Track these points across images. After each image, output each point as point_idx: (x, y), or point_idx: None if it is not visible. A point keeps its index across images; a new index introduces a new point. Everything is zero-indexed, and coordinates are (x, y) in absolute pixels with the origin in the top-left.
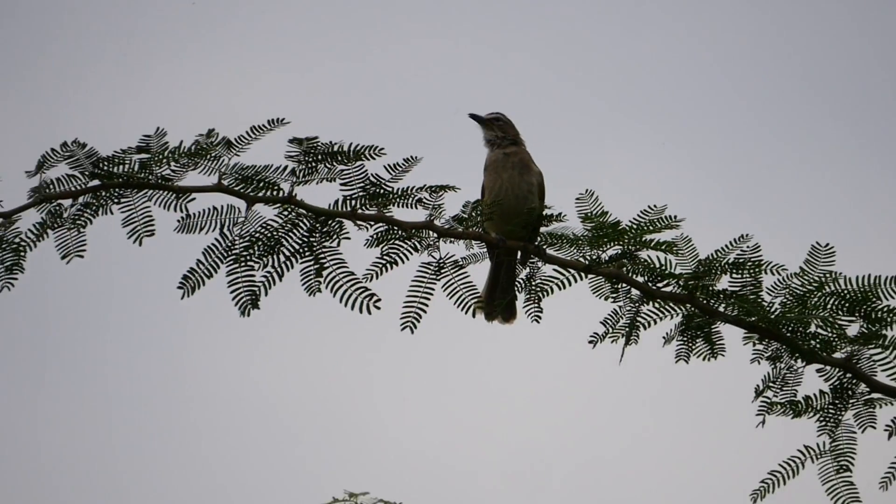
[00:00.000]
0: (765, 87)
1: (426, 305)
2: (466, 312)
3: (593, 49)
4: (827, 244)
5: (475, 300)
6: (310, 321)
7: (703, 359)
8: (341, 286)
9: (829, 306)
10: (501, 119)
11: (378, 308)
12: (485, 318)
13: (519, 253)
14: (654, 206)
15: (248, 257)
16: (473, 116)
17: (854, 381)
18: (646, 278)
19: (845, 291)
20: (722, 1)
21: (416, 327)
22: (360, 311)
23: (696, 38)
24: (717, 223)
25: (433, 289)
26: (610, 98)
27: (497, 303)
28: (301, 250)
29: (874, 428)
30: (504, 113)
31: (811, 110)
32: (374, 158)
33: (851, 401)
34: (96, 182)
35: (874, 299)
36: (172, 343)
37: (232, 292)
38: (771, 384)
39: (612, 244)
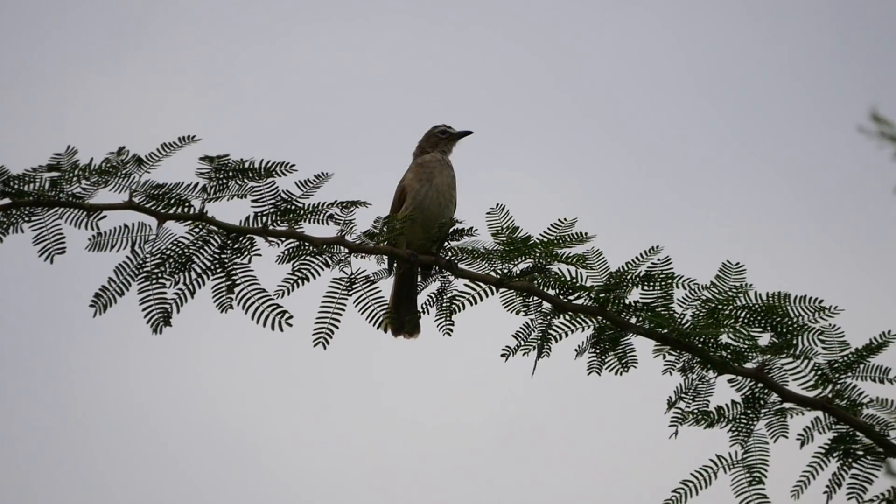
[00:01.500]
0: (676, 90)
1: (338, 321)
2: (378, 327)
3: (498, 60)
4: (737, 263)
5: (386, 314)
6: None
7: (615, 373)
8: (253, 303)
9: (740, 318)
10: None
11: (290, 325)
12: (391, 332)
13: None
14: (565, 219)
15: (160, 274)
16: (460, 133)
17: (765, 390)
18: (557, 291)
19: (754, 305)
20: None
21: (328, 343)
22: (272, 328)
23: (599, 46)
24: (627, 236)
25: (345, 304)
26: (516, 110)
27: (409, 318)
28: (213, 267)
29: (786, 437)
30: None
31: (728, 115)
32: (285, 175)
33: (763, 410)
34: (7, 200)
35: (782, 312)
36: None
37: (144, 310)
38: (683, 395)
39: (523, 258)
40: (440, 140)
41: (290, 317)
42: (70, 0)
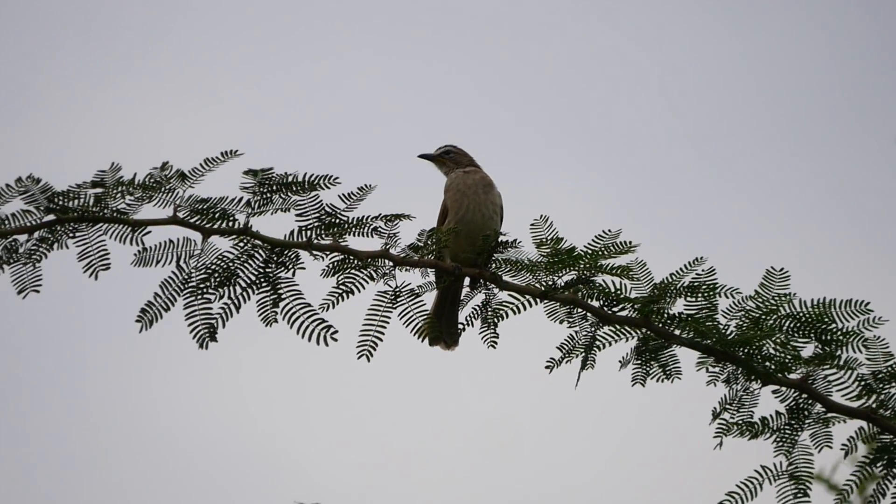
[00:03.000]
0: (720, 111)
1: (382, 334)
2: (422, 340)
3: (541, 81)
4: (781, 269)
5: (428, 325)
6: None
7: (658, 381)
8: (298, 318)
9: (784, 328)
10: (452, 151)
11: (335, 340)
12: (429, 342)
13: (467, 279)
14: (609, 230)
15: (205, 289)
16: (423, 156)
17: (809, 401)
18: (601, 303)
19: (800, 314)
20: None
21: (372, 355)
22: (318, 342)
23: (643, 64)
24: (671, 247)
25: (389, 317)
26: (552, 127)
27: (450, 330)
28: (258, 281)
29: (830, 447)
30: (454, 144)
31: (765, 133)
32: (328, 188)
33: (807, 421)
34: (51, 217)
35: (828, 321)
36: (133, 373)
37: (189, 325)
38: (728, 406)
39: (567, 270)
40: (449, 159)
41: (336, 331)
42: (89, 16)
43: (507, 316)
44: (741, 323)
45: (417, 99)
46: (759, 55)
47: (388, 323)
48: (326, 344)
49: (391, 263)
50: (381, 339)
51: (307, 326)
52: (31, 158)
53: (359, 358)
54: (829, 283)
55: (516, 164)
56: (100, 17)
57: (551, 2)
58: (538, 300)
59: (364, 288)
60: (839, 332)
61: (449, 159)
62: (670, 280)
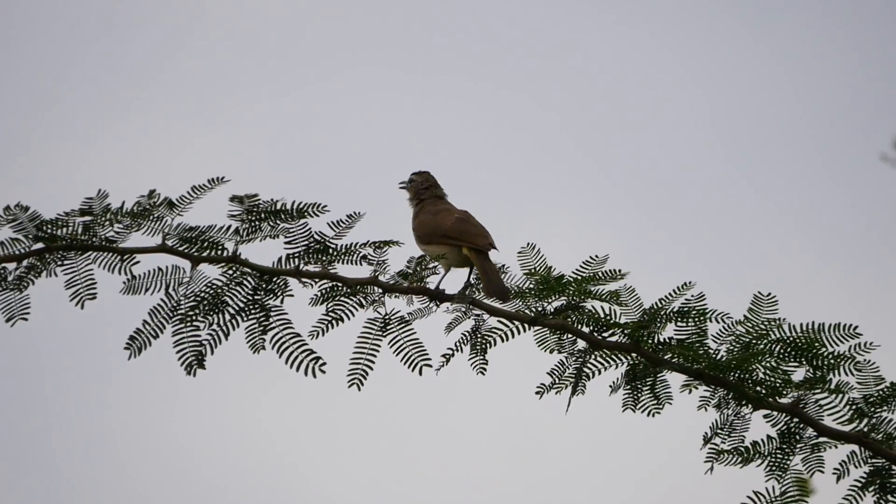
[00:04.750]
0: (704, 133)
1: (373, 362)
2: (413, 370)
3: (526, 100)
4: (769, 294)
5: (422, 357)
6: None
7: (649, 414)
8: (287, 347)
9: (775, 353)
10: (414, 179)
11: (323, 372)
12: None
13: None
14: (596, 256)
15: (194, 317)
16: (402, 186)
17: (801, 425)
18: (591, 328)
19: (790, 338)
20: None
21: (362, 384)
22: (306, 373)
23: (627, 85)
24: (657, 271)
25: (379, 345)
26: (541, 148)
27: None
28: (246, 308)
29: (822, 472)
30: (425, 170)
31: (753, 157)
32: (317, 216)
33: (799, 445)
34: (40, 245)
35: (818, 346)
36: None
37: (178, 352)
38: (718, 431)
39: (556, 296)
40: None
41: (324, 363)
42: (88, 48)
43: (495, 343)
44: (731, 347)
45: (409, 120)
46: (758, 71)
47: (378, 350)
48: (314, 375)
49: (380, 290)
50: (371, 368)
51: (297, 357)
52: (20, 191)
53: (349, 386)
54: (817, 307)
55: (501, 186)
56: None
57: (544, 17)
58: (528, 326)
59: (353, 315)
60: (830, 357)
61: (412, 188)
62: (660, 305)
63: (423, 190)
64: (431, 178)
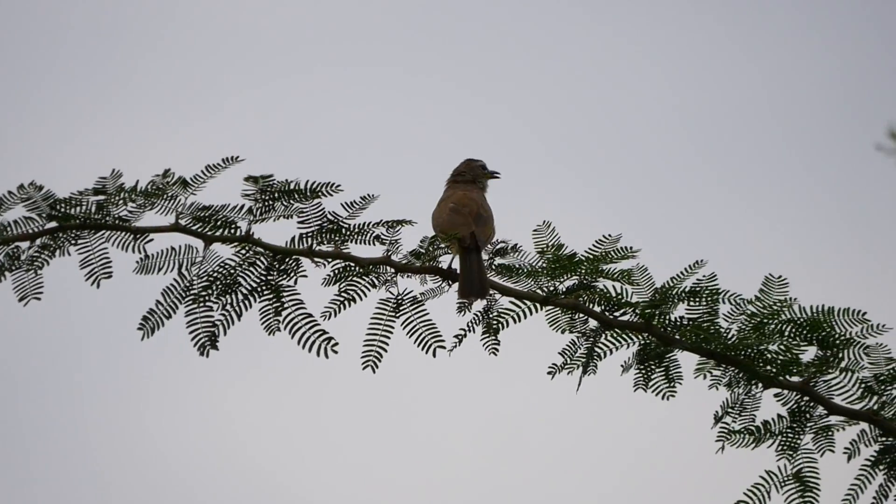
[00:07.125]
0: (719, 116)
1: (387, 343)
2: (427, 352)
3: (538, 94)
4: (780, 276)
5: (436, 339)
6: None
7: (663, 397)
8: (299, 328)
9: (785, 333)
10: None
11: (335, 353)
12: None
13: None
14: (609, 235)
15: (207, 297)
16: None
17: (811, 403)
18: (603, 308)
19: (800, 319)
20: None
21: (377, 366)
22: (318, 354)
23: (627, 80)
24: (670, 251)
25: (392, 327)
26: (552, 133)
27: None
28: (259, 289)
29: (833, 451)
30: (473, 158)
31: (764, 138)
32: (331, 195)
33: (809, 424)
34: (53, 224)
35: (828, 327)
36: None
37: (191, 332)
38: (729, 410)
39: (568, 275)
40: (480, 173)
41: (336, 343)
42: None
43: (508, 324)
44: (742, 327)
45: (423, 112)
46: (757, 58)
47: (392, 332)
48: (327, 356)
49: (393, 270)
50: (385, 350)
51: (308, 337)
52: (29, 166)
53: (364, 368)
54: (827, 290)
55: (515, 171)
56: (99, 20)
57: (545, 12)
58: (540, 306)
59: (366, 295)
60: (840, 338)
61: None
62: (671, 284)
63: (458, 175)
64: (472, 164)
